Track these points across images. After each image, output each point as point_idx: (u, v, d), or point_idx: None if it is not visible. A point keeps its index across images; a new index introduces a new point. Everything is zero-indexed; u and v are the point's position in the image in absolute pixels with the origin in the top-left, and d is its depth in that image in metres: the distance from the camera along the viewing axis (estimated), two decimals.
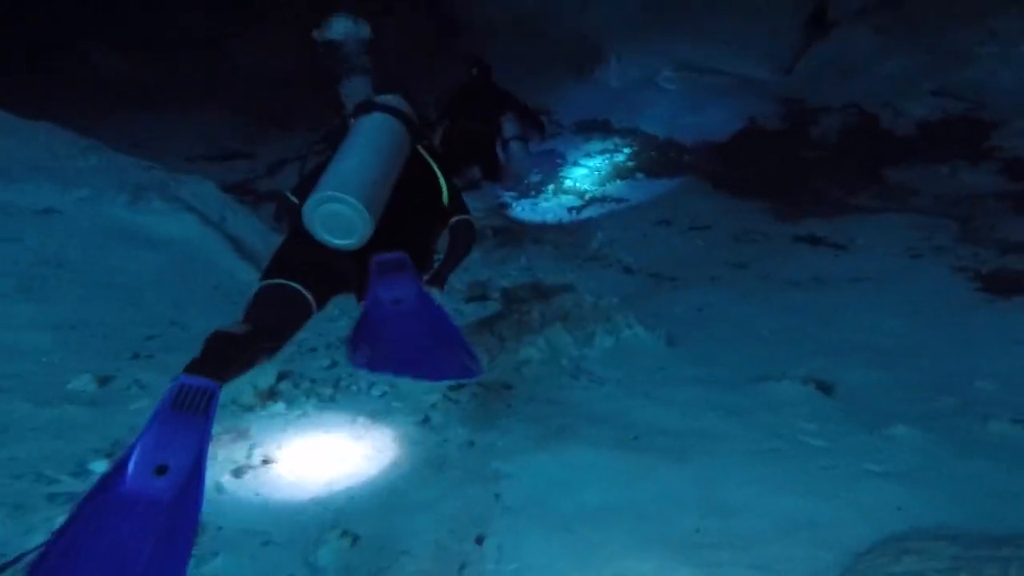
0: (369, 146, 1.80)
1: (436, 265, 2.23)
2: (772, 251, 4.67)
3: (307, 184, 1.90)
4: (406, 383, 2.73)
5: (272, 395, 2.55)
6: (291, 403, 2.50)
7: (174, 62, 12.42)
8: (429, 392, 2.61)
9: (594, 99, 8.78)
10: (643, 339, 3.09)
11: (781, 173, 6.06)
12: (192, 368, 1.31)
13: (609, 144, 7.58)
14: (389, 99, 2.05)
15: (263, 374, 2.66)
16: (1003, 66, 6.00)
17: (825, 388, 2.46)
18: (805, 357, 2.90)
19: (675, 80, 7.98)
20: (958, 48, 6.54)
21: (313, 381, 2.74)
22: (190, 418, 1.18)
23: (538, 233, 5.36)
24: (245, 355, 1.51)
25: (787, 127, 6.71)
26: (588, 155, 7.43)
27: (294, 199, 1.99)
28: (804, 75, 7.44)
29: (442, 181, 2.09)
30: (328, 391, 2.61)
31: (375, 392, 2.65)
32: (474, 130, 5.24)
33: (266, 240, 4.39)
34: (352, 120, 1.97)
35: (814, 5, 8.17)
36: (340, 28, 2.00)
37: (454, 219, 2.12)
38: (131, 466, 1.08)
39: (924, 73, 6.46)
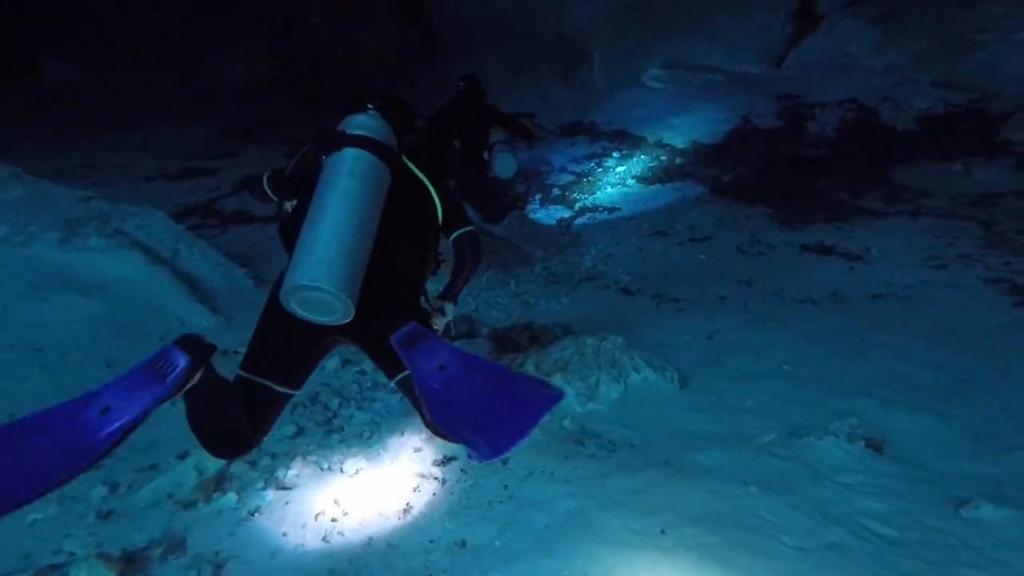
0: (343, 202, 1.65)
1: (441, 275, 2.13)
2: (781, 263, 4.32)
3: (284, 182, 1.91)
4: (383, 454, 2.33)
5: (220, 483, 2.13)
6: (243, 492, 2.08)
7: (140, 75, 11.85)
8: (410, 468, 2.20)
9: (578, 101, 8.40)
10: (653, 383, 2.71)
11: (780, 174, 5.73)
12: (184, 340, 1.40)
13: (597, 148, 7.21)
14: (360, 124, 1.83)
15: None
16: (1007, 54, 5.72)
17: (875, 446, 2.10)
18: (839, 399, 2.55)
19: (662, 79, 7.62)
20: (956, 37, 6.26)
21: (273, 457, 2.32)
22: (151, 382, 1.32)
23: (526, 251, 4.96)
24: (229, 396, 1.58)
25: (783, 125, 6.39)
26: (575, 160, 7.05)
27: (268, 189, 1.93)
28: (797, 70, 7.13)
29: (434, 195, 1.94)
30: (291, 472, 2.19)
31: (347, 469, 2.24)
32: (457, 144, 4.87)
33: (227, 276, 3.95)
34: (323, 157, 1.78)
35: None
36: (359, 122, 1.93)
37: (456, 233, 1.99)
38: (96, 395, 1.29)
39: (923, 64, 6.17)
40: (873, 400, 2.51)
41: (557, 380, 2.48)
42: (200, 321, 3.34)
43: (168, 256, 3.71)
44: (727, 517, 1.81)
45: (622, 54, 8.49)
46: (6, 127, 8.85)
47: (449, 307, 2.03)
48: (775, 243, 4.69)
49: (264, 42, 12.77)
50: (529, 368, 2.48)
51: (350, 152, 1.74)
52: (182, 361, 1.36)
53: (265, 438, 1.72)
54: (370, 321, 1.68)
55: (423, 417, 1.71)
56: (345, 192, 1.66)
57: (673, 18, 8.39)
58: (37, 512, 1.78)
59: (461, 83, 4.91)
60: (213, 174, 7.13)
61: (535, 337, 2.83)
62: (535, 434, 2.32)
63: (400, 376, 1.70)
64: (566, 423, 2.36)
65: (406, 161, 1.94)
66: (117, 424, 1.27)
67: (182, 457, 2.14)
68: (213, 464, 2.17)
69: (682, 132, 6.93)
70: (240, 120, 10.22)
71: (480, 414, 1.36)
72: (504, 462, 2.16)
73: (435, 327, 1.94)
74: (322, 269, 1.53)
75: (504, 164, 4.57)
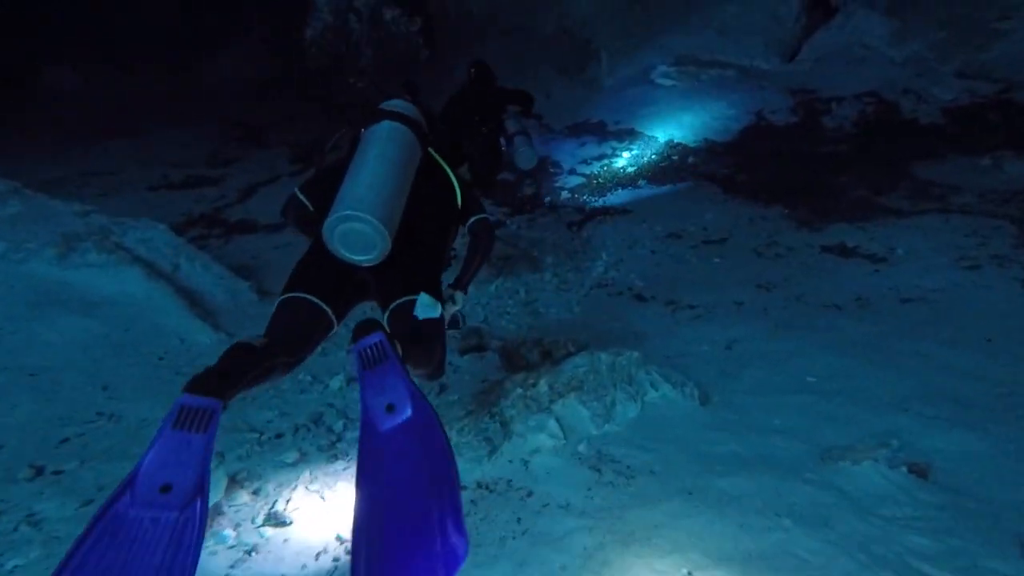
0: (382, 158, 1.81)
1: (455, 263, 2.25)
2: (801, 266, 4.15)
3: (318, 186, 1.97)
4: None
5: (216, 517, 2.01)
6: (240, 528, 1.97)
7: (142, 78, 11.84)
8: None
9: (585, 100, 8.26)
10: (672, 401, 2.56)
11: (797, 172, 5.54)
12: (193, 386, 1.27)
13: (606, 148, 7.06)
14: (396, 105, 2.03)
15: (213, 483, 2.13)
16: None
17: (920, 471, 1.94)
18: (873, 415, 2.39)
19: (672, 75, 7.45)
20: (977, 25, 6.03)
21: (274, 486, 2.20)
22: (191, 438, 1.18)
23: (536, 257, 4.83)
24: (261, 366, 1.49)
25: (798, 120, 6.19)
26: (584, 162, 6.91)
27: (303, 198, 1.99)
28: (810, 63, 6.92)
29: (455, 182, 2.07)
30: (292, 504, 2.07)
31: (351, 500, 2.11)
32: (471, 133, 4.79)
33: (229, 290, 3.86)
34: (362, 130, 1.96)
35: None
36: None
37: (471, 219, 2.10)
38: (136, 486, 1.11)
39: (944, 54, 5.95)
40: (910, 417, 2.34)
41: (572, 400, 2.34)
42: (201, 339, 3.25)
43: (169, 271, 3.62)
44: (760, 556, 1.66)
45: (628, 50, 8.33)
46: (9, 134, 8.86)
47: (459, 296, 2.09)
48: (794, 244, 4.51)
49: (264, 42, 12.73)
50: (542, 389, 2.34)
51: (387, 123, 1.91)
52: (209, 404, 1.24)
53: (300, 363, 1.71)
54: (394, 272, 1.81)
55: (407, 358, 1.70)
56: (383, 151, 1.82)
57: (679, 11, 8.21)
58: (18, 558, 1.68)
59: (472, 70, 4.84)
60: (217, 183, 7.08)
61: (547, 352, 2.70)
62: (549, 460, 2.19)
63: (393, 305, 1.79)
64: (581, 448, 2.22)
65: (431, 152, 2.08)
66: (190, 484, 1.12)
67: None
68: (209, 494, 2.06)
69: (694, 130, 6.76)
70: (242, 123, 10.17)
71: (386, 550, 1.16)
72: (516, 489, 2.03)
73: (445, 314, 2.01)
74: (365, 203, 1.67)
75: (525, 155, 4.50)
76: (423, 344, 1.72)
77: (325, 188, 1.88)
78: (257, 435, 2.54)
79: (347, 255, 1.72)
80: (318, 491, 2.17)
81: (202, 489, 1.14)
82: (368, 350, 1.41)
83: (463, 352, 3.25)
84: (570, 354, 2.62)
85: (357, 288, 1.90)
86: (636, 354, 2.62)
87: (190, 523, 1.09)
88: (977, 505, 1.77)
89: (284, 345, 1.64)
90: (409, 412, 1.34)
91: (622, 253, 4.82)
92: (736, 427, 2.42)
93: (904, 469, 1.94)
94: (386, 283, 1.85)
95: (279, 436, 2.57)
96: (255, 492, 2.16)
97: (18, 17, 11.12)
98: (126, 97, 10.98)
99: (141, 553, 1.05)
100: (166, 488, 1.11)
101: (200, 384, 1.27)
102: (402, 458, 1.30)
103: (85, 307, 3.04)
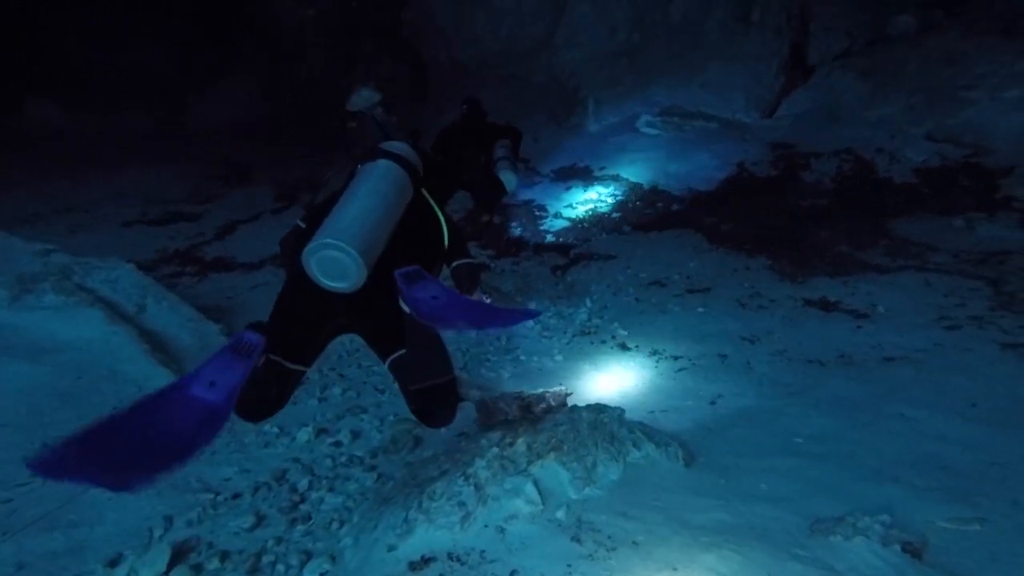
0: (371, 193, 1.90)
1: None
2: (784, 320, 4.13)
3: (315, 215, 2.03)
4: (350, 553, 2.04)
5: None
6: None
7: (126, 115, 11.81)
8: (382, 571, 1.91)
9: (572, 145, 8.39)
10: (655, 461, 2.45)
11: (779, 224, 5.61)
12: (251, 325, 1.70)
13: (592, 193, 7.12)
14: (394, 146, 2.12)
15: (154, 558, 1.93)
16: (996, 111, 5.73)
17: (914, 551, 1.84)
18: (864, 484, 2.30)
19: (656, 125, 7.63)
20: (945, 92, 6.30)
21: (224, 558, 2.02)
22: (238, 360, 1.59)
23: (519, 302, 4.75)
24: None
25: (779, 173, 6.33)
26: (570, 206, 6.95)
27: (303, 226, 2.08)
28: (790, 119, 7.14)
29: (443, 223, 2.16)
30: None
31: (309, 573, 1.94)
32: (469, 163, 4.83)
33: (197, 332, 3.70)
34: (358, 165, 2.07)
35: (791, 47, 8.01)
36: (366, 97, 2.42)
37: (455, 263, 2.18)
38: (195, 378, 1.52)
39: (915, 117, 6.18)
40: (901, 487, 2.26)
41: (551, 461, 2.22)
42: (160, 386, 3.07)
43: (133, 313, 3.46)
44: None
45: (615, 99, 8.55)
46: None
47: None
48: (776, 296, 4.51)
49: (253, 82, 12.87)
50: (520, 449, 2.22)
51: (383, 161, 2.01)
52: (257, 340, 1.63)
53: (280, 410, 1.92)
54: (375, 305, 1.87)
55: (409, 402, 1.97)
56: (373, 187, 1.91)
57: (665, 65, 8.48)
58: None
59: (465, 106, 4.92)
60: (196, 219, 6.96)
61: (526, 406, 2.59)
62: (526, 529, 2.05)
63: (394, 357, 1.88)
64: (560, 514, 2.09)
65: (424, 193, 2.16)
66: (229, 388, 1.50)
67: (113, 564, 1.84)
68: (148, 570, 1.87)
69: (678, 178, 6.87)
70: (227, 162, 10.13)
71: (470, 313, 1.73)
72: (489, 561, 1.88)
73: None
74: (345, 234, 1.73)
75: (507, 178, 4.53)
76: (435, 395, 1.92)
77: (320, 217, 1.96)
78: (212, 496, 2.36)
79: (323, 281, 1.78)
80: (272, 563, 1.99)
81: (233, 396, 1.50)
82: (408, 274, 1.76)
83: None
84: (550, 408, 2.51)
85: (331, 332, 1.99)
86: (619, 410, 2.52)
87: (221, 411, 1.47)
88: None
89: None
90: (448, 298, 1.72)
91: (606, 300, 4.78)
92: (722, 492, 2.31)
93: (898, 547, 1.84)
94: (370, 327, 1.95)
95: (236, 496, 2.39)
96: (200, 566, 1.97)
97: (2, 51, 11.11)
98: (111, 134, 10.91)
99: (183, 416, 1.42)
100: (213, 384, 1.50)
101: (256, 326, 1.69)
102: (452, 315, 1.70)
103: (34, 353, 2.86)
